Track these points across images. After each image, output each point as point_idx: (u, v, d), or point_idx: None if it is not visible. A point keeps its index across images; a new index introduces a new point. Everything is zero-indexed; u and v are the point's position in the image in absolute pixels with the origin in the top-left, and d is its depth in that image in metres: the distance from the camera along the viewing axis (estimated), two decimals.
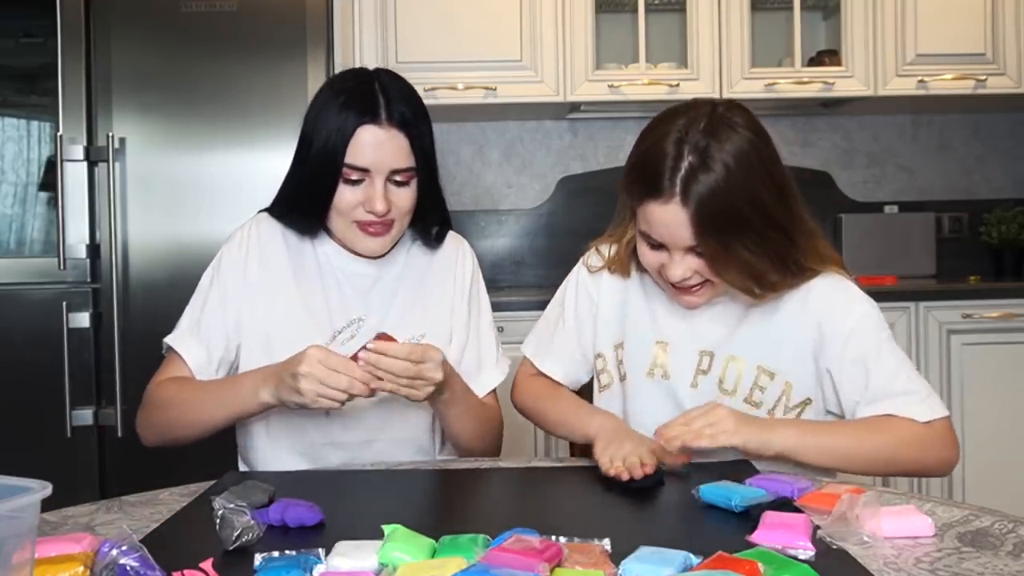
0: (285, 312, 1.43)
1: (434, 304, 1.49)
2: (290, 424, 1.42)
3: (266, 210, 1.49)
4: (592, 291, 1.48)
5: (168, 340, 1.43)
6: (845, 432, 1.29)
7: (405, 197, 1.39)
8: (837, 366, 1.33)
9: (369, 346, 1.23)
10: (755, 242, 1.23)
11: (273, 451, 1.43)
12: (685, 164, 1.21)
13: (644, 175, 1.25)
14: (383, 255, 1.46)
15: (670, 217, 1.23)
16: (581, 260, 1.52)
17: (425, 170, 1.40)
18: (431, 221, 1.49)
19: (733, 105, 1.29)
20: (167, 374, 1.41)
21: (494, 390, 1.52)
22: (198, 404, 1.36)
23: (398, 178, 1.37)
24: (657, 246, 1.29)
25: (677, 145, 1.22)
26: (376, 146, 1.34)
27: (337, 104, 1.35)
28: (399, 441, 1.45)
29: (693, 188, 1.20)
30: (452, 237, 1.55)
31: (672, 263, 1.28)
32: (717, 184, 1.20)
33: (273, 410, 1.41)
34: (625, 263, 1.43)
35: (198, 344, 1.41)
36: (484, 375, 1.49)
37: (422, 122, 1.39)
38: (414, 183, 1.39)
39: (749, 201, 1.21)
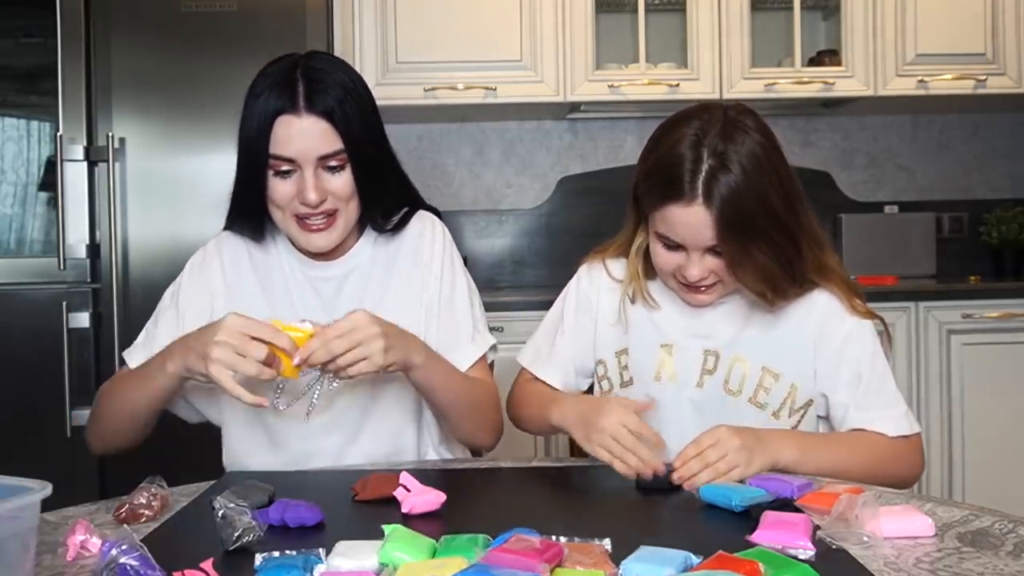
0: None
1: (403, 289, 1.44)
2: (271, 439, 1.41)
3: (226, 227, 1.48)
4: (592, 298, 1.48)
5: (123, 354, 1.43)
6: (840, 447, 1.31)
7: (342, 183, 1.34)
8: (832, 370, 1.36)
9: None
10: (767, 243, 1.26)
11: (256, 467, 1.39)
12: (705, 167, 1.24)
13: (663, 179, 1.27)
14: (334, 250, 1.42)
15: (693, 218, 1.25)
16: (580, 269, 1.52)
17: (357, 154, 1.33)
18: (386, 207, 1.43)
19: (742, 109, 1.31)
20: None
21: (486, 366, 1.46)
22: (119, 390, 1.34)
23: (331, 163, 1.32)
24: (674, 247, 1.31)
25: (694, 149, 1.25)
26: (295, 136, 1.30)
27: (257, 96, 1.34)
28: (382, 436, 1.41)
29: (715, 190, 1.23)
30: (418, 216, 1.49)
31: (691, 263, 1.30)
32: (737, 185, 1.23)
33: (255, 425, 1.40)
34: (638, 273, 1.42)
35: (146, 358, 1.38)
36: (458, 352, 1.41)
37: (349, 105, 1.32)
38: (350, 168, 1.34)
39: (761, 202, 1.25)
